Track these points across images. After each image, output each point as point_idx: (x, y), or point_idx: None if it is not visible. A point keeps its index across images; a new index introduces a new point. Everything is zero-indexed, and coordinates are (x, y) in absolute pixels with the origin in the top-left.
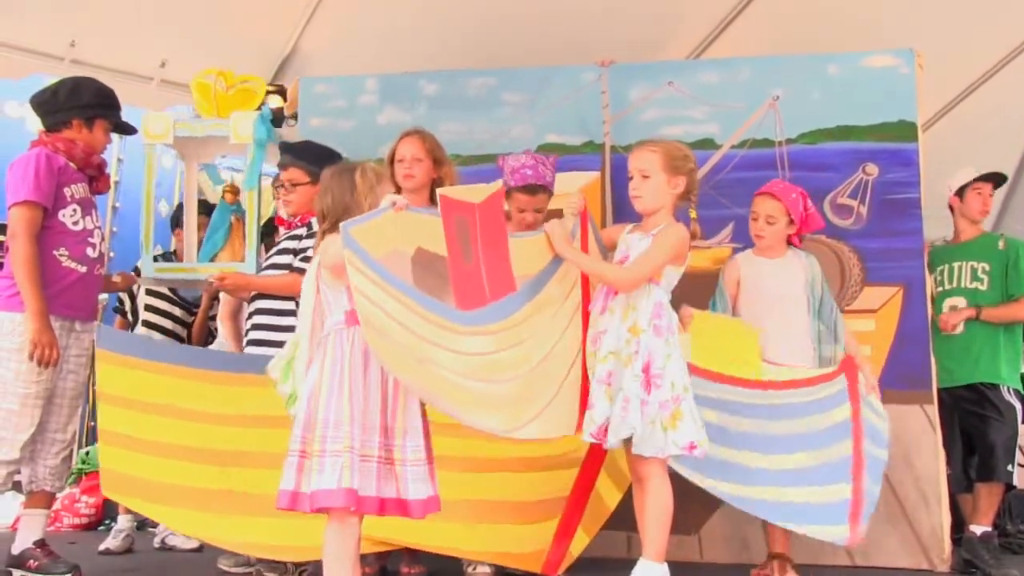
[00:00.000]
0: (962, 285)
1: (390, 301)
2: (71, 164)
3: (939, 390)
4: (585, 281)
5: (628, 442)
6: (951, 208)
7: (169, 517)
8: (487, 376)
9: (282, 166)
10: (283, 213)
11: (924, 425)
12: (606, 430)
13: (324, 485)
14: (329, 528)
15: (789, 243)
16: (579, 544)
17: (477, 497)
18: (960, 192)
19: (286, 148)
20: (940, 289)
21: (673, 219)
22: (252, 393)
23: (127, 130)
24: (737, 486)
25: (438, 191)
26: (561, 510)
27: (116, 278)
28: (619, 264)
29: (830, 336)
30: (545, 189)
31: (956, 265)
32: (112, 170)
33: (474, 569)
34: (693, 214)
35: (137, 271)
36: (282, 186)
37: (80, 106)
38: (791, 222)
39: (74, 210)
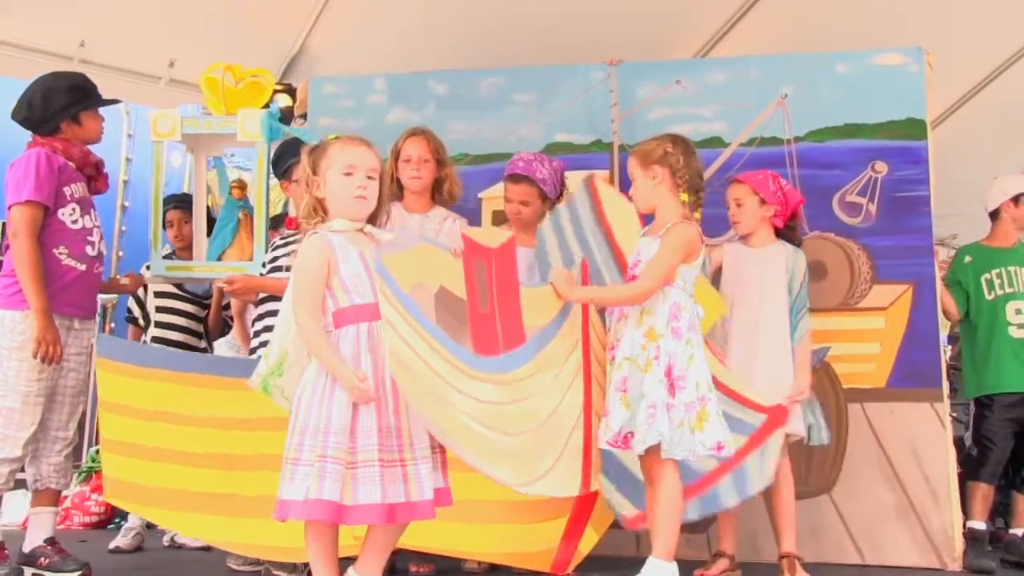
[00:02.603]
0: None
1: (415, 337)
2: (70, 164)
3: (1003, 394)
4: (585, 340)
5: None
6: (996, 212)
7: (175, 521)
8: (500, 426)
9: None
10: (292, 211)
11: (934, 423)
12: (625, 437)
13: (290, 495)
14: (307, 534)
15: (779, 235)
16: (588, 542)
17: (483, 497)
18: (1016, 198)
19: (301, 144)
20: (1000, 292)
21: (679, 216)
22: (254, 396)
23: (110, 103)
24: None
25: (462, 232)
26: (569, 508)
27: (124, 280)
28: (631, 276)
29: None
30: (531, 181)
31: (1012, 269)
32: (120, 169)
33: (465, 563)
34: (697, 215)
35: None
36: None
37: (60, 110)
38: (763, 202)
39: (73, 209)
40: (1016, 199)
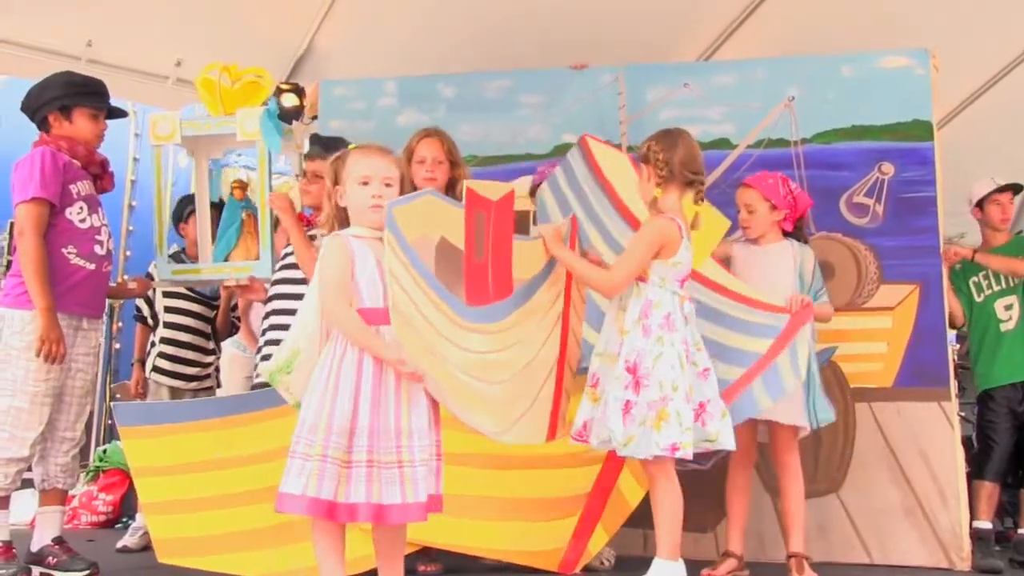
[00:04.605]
0: (1011, 284)
1: (417, 291)
2: (75, 162)
3: (1000, 388)
4: (568, 293)
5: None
6: (977, 220)
7: (235, 565)
8: (483, 375)
9: (310, 156)
10: (298, 205)
11: (942, 422)
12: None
13: (290, 489)
14: (314, 528)
15: (787, 233)
16: (598, 542)
17: (496, 494)
18: (980, 204)
19: (318, 139)
20: (989, 292)
21: (671, 208)
22: (281, 425)
23: (116, 114)
24: None
25: (466, 183)
26: (580, 507)
27: (132, 284)
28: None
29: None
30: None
31: None
32: (128, 169)
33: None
34: (694, 210)
35: (150, 276)
36: (305, 175)
37: (50, 100)
38: (774, 207)
39: (80, 208)
40: (980, 205)
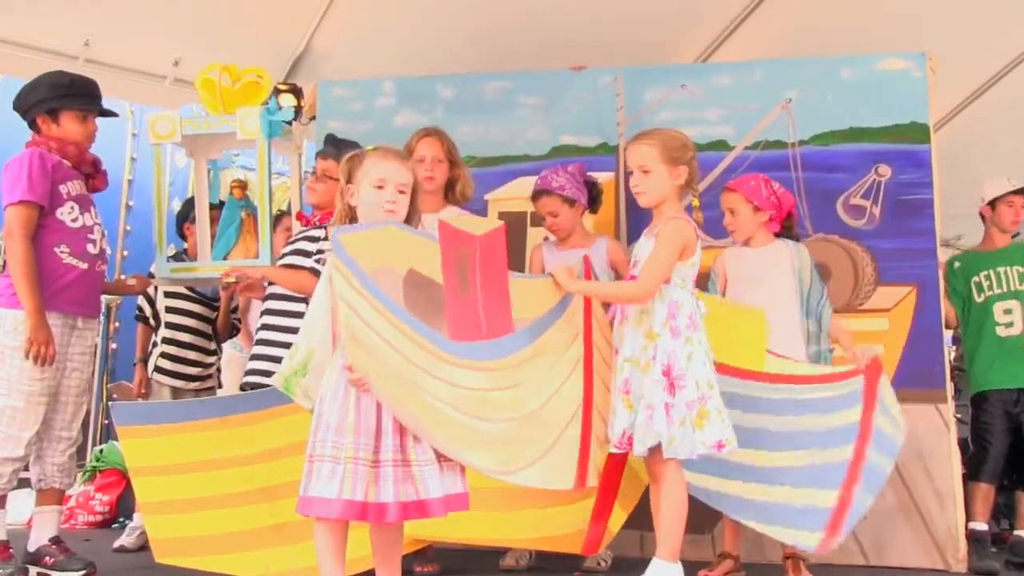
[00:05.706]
0: (1012, 288)
1: (378, 318)
2: (65, 162)
3: (994, 391)
4: (588, 336)
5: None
6: (982, 216)
7: (231, 565)
8: (478, 412)
9: (322, 155)
10: (304, 203)
11: (938, 424)
12: (630, 439)
13: (322, 493)
14: (317, 528)
15: (778, 234)
16: (617, 520)
17: (507, 484)
18: (992, 203)
19: (333, 139)
20: (990, 293)
21: (680, 210)
22: (279, 425)
23: (106, 114)
24: (713, 479)
25: (438, 219)
26: (594, 489)
27: (131, 281)
28: (631, 276)
29: (816, 327)
30: (548, 193)
31: (1001, 270)
32: (125, 169)
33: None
34: (696, 203)
35: (151, 275)
36: (314, 173)
37: (37, 102)
38: (757, 209)
39: (72, 207)
40: (992, 203)
